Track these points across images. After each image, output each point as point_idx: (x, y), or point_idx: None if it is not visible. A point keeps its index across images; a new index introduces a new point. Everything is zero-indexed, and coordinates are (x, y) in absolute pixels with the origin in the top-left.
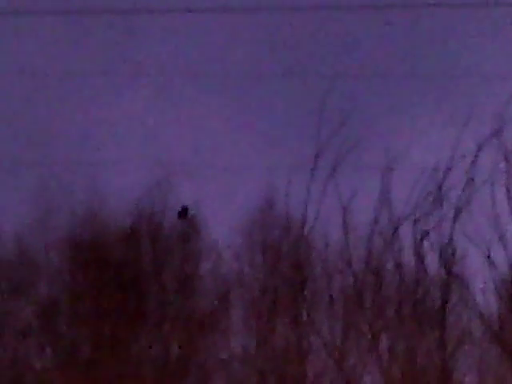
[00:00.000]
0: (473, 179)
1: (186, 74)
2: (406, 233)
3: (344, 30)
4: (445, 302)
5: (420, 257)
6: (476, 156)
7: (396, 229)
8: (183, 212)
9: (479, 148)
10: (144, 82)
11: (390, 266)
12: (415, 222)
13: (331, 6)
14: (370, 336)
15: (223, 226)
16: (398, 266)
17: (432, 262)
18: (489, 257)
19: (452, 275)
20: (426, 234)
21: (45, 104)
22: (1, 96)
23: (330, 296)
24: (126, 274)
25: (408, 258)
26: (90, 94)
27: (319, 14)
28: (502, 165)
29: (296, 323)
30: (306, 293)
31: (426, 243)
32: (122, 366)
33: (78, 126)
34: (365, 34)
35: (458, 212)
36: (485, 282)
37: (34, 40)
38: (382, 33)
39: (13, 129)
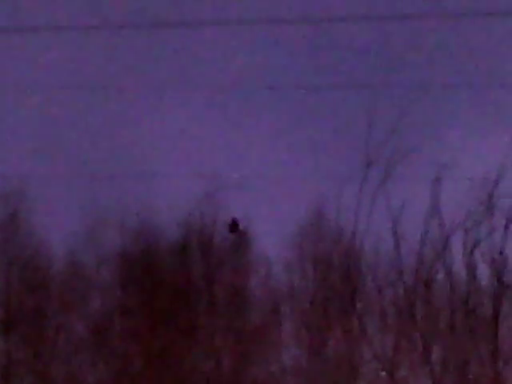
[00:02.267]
0: None
1: (234, 87)
2: (457, 243)
3: (394, 42)
4: (497, 312)
5: (471, 267)
6: None
7: (447, 239)
8: (234, 225)
9: None
10: (194, 96)
11: (441, 276)
12: (466, 231)
13: (382, 18)
14: (421, 347)
15: (273, 238)
16: (450, 276)
17: (483, 272)
18: None
19: (504, 285)
20: (477, 243)
21: (97, 119)
22: (53, 111)
23: (382, 307)
24: (176, 287)
25: (459, 268)
26: (141, 108)
27: (369, 25)
28: None
29: (347, 335)
30: (357, 305)
31: (477, 253)
32: (174, 379)
33: (130, 141)
34: (414, 46)
35: (509, 221)
36: None
37: (85, 54)
38: (432, 44)
39: (65, 143)
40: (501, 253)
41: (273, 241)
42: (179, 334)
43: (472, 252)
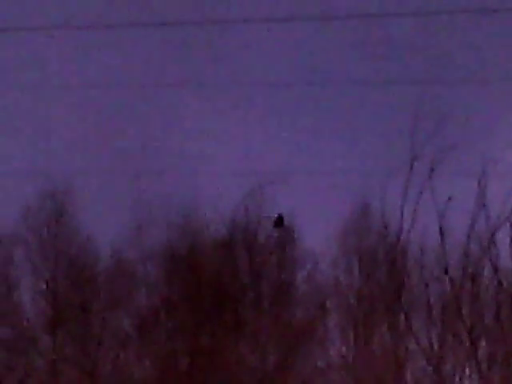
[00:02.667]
0: None
1: (272, 83)
2: (504, 237)
3: (438, 37)
4: None
5: None
6: None
7: (493, 233)
8: (279, 220)
9: None
10: (236, 94)
11: (487, 271)
12: None
13: (430, 12)
14: (468, 342)
15: (319, 233)
16: (496, 270)
17: None
18: None
19: None
20: None
21: (142, 117)
22: (100, 108)
23: (428, 302)
24: (222, 283)
25: (506, 262)
26: (185, 107)
27: (413, 20)
28: None
29: (393, 330)
30: (402, 300)
31: None
32: (220, 375)
33: (175, 139)
34: (459, 39)
35: None
36: None
37: (127, 51)
38: (477, 38)
39: (110, 141)
40: None
41: (318, 236)
42: (225, 330)
43: None
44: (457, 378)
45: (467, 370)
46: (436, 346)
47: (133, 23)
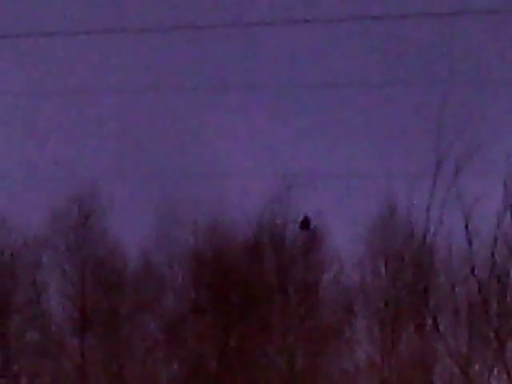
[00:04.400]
0: None
1: (299, 85)
2: None
3: (466, 40)
4: None
5: None
6: None
7: None
8: (305, 222)
9: None
10: (263, 96)
11: None
12: None
13: (453, 14)
14: (496, 343)
15: (345, 235)
16: None
17: None
18: None
19: None
20: None
21: (169, 118)
22: (125, 112)
23: (455, 304)
24: (249, 286)
25: None
26: (211, 108)
27: (441, 23)
28: None
29: (421, 332)
30: (430, 301)
31: None
32: (248, 377)
33: (201, 140)
34: (481, 41)
35: None
36: None
37: (156, 56)
38: (501, 40)
39: (137, 143)
40: None
41: (344, 238)
42: (252, 332)
43: None
44: (485, 379)
45: (495, 371)
46: (464, 348)
47: (150, 27)
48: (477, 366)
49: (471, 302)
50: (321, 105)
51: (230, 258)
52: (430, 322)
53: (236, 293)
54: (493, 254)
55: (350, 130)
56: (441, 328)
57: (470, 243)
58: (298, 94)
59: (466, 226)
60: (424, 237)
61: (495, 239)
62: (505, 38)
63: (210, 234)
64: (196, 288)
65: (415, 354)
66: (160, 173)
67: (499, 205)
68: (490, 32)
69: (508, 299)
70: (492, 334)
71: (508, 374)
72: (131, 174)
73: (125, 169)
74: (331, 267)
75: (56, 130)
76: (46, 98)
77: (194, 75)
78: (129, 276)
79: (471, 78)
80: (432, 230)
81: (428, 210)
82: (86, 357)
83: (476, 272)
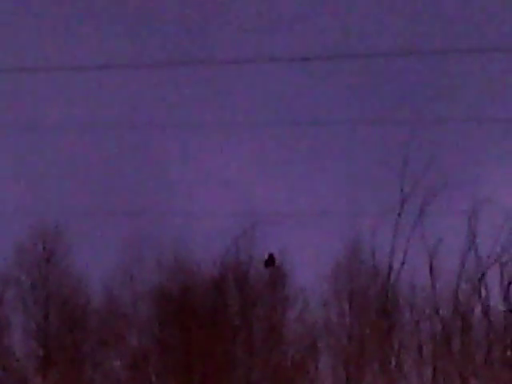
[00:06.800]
0: None
1: (268, 122)
2: (494, 277)
3: (428, 76)
4: None
5: (509, 301)
6: None
7: (483, 273)
8: (270, 260)
9: None
10: (228, 134)
11: (478, 310)
12: (502, 265)
13: (424, 53)
14: (459, 381)
15: (310, 273)
16: (487, 310)
17: None
18: None
19: None
20: None
21: (133, 157)
22: (90, 149)
23: (419, 342)
24: (213, 323)
25: (496, 302)
26: (177, 146)
27: (403, 60)
28: None
29: (384, 369)
30: (393, 339)
31: None
32: None
33: (166, 178)
34: (449, 79)
35: None
36: None
37: (130, 92)
38: (467, 77)
39: (101, 182)
40: None
41: (309, 276)
42: (216, 370)
43: (509, 286)
44: None
45: None
46: None
47: (120, 62)
48: None
49: (435, 340)
50: (285, 142)
51: (195, 296)
52: (394, 360)
53: (200, 330)
54: (456, 293)
55: (314, 168)
56: (405, 366)
57: (433, 282)
58: (262, 132)
59: (431, 265)
60: (388, 275)
61: (459, 278)
62: (470, 77)
63: (174, 271)
64: (160, 325)
65: None
66: (124, 210)
67: (463, 244)
68: (456, 71)
69: (471, 338)
70: (456, 372)
71: None
72: (96, 211)
73: (89, 206)
74: (295, 305)
75: (19, 167)
76: (9, 133)
77: (160, 113)
78: (92, 313)
79: (437, 117)
80: (396, 268)
81: (392, 248)
82: None
83: (440, 310)
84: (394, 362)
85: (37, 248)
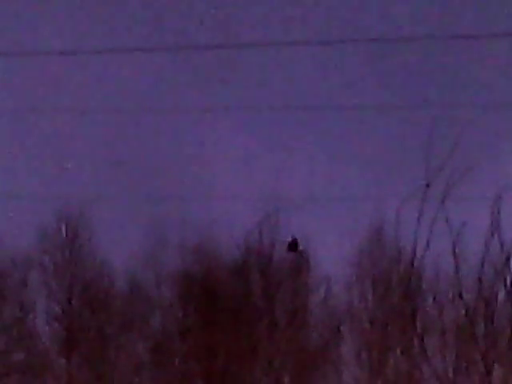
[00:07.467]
0: None
1: (288, 108)
2: None
3: (455, 63)
4: None
5: None
6: None
7: (508, 258)
8: (293, 245)
9: None
10: (254, 119)
11: (501, 295)
12: None
13: (444, 38)
14: (482, 367)
15: (333, 257)
16: (510, 295)
17: None
18: None
19: None
20: None
21: (160, 142)
22: (114, 134)
23: (442, 327)
24: (236, 307)
25: None
26: (200, 130)
27: (431, 45)
28: None
29: (407, 354)
30: (417, 324)
31: None
32: None
33: (190, 162)
34: (475, 66)
35: None
36: None
37: (148, 77)
38: (492, 63)
39: (126, 166)
40: None
41: (332, 260)
42: (239, 354)
43: None
44: None
45: None
46: (450, 371)
47: (136, 47)
48: None
49: (458, 325)
50: (310, 128)
51: (218, 279)
52: (416, 344)
53: (223, 314)
54: (480, 278)
55: (338, 152)
56: (428, 351)
57: (457, 267)
58: (287, 117)
59: (454, 249)
60: (412, 259)
61: (482, 263)
62: (495, 62)
63: (197, 254)
64: (183, 308)
65: (402, 377)
66: (148, 193)
67: (487, 229)
68: (480, 56)
69: (495, 323)
70: (479, 357)
71: None
72: (119, 194)
73: (113, 189)
74: (319, 289)
75: (45, 150)
76: (35, 115)
77: (183, 97)
78: (116, 296)
79: (462, 101)
80: (420, 253)
81: (416, 233)
82: (73, 377)
83: (463, 295)
84: (417, 347)
85: (60, 232)
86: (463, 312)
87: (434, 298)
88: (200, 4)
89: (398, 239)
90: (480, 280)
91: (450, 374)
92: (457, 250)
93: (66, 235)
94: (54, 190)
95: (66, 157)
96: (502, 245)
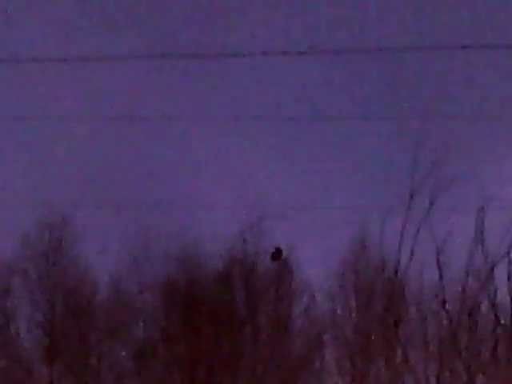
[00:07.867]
0: None
1: (280, 117)
2: (502, 272)
3: (438, 71)
4: None
5: None
6: None
7: (491, 269)
8: (277, 254)
9: None
10: (236, 128)
11: (485, 306)
12: (510, 261)
13: (432, 48)
14: (465, 377)
15: (316, 267)
16: (493, 305)
17: None
18: None
19: None
20: None
21: (144, 151)
22: (98, 141)
23: (425, 336)
24: (220, 316)
25: (503, 297)
26: (185, 140)
27: (415, 54)
28: None
29: (390, 364)
30: (400, 333)
31: None
32: None
33: (175, 169)
34: (460, 74)
35: None
36: None
37: (133, 84)
38: (478, 74)
39: (110, 173)
40: None
41: (316, 270)
42: (222, 362)
43: None
44: None
45: None
46: (433, 381)
47: (135, 55)
48: None
49: (441, 335)
50: (294, 138)
51: (201, 287)
52: (399, 354)
53: (206, 322)
54: (463, 288)
55: (323, 162)
56: (410, 361)
57: (441, 277)
58: (272, 127)
59: (438, 260)
60: (395, 269)
61: (466, 274)
62: (481, 73)
63: (181, 263)
64: (166, 317)
65: None
66: (132, 201)
67: (471, 239)
68: (467, 67)
69: (478, 334)
70: (461, 368)
71: None
72: (103, 201)
73: (97, 196)
74: (302, 298)
75: (28, 155)
76: (19, 122)
77: (169, 105)
78: (99, 304)
79: (447, 112)
80: (403, 263)
81: (400, 242)
82: None
83: (447, 305)
84: (399, 357)
85: (43, 238)
86: (446, 322)
87: (418, 308)
88: (197, 12)
89: (382, 249)
90: (463, 291)
91: None
92: (441, 260)
93: (49, 242)
94: (37, 196)
95: (50, 163)
96: (485, 256)
